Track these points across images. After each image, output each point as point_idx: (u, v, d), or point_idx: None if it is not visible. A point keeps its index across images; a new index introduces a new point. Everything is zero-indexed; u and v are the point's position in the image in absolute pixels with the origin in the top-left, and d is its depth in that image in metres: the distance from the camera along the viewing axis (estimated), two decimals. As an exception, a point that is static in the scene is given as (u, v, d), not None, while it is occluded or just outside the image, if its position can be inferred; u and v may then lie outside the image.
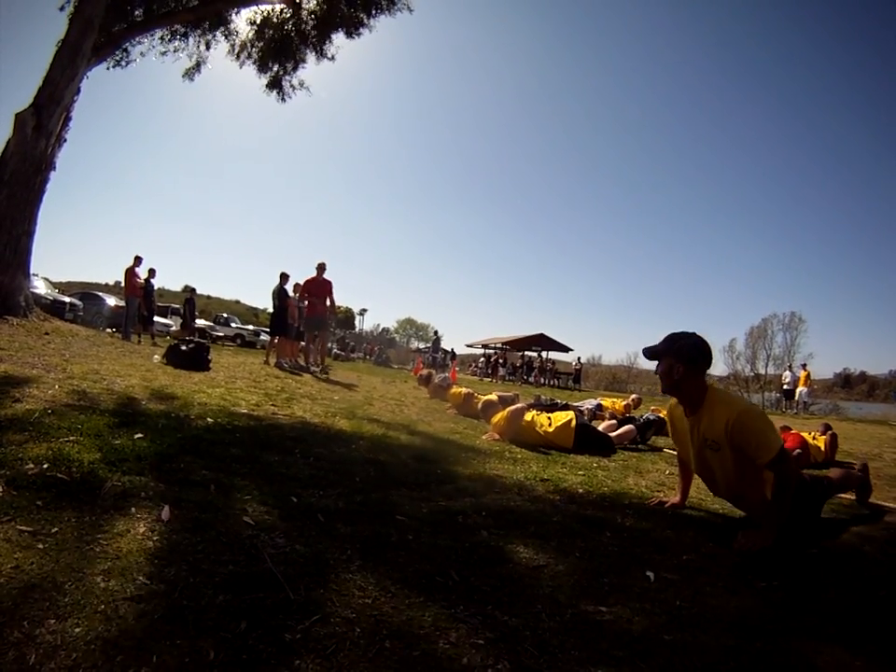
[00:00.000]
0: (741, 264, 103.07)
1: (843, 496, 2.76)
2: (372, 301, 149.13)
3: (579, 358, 26.06)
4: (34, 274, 9.37)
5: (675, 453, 2.67)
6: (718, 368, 36.23)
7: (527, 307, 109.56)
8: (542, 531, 1.84)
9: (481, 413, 4.74)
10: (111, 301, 15.00)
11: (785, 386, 16.43)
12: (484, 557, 1.55)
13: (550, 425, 3.91)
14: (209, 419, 2.95)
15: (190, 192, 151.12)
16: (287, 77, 10.83)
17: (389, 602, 1.22)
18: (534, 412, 4.26)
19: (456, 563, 1.48)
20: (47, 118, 6.86)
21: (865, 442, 6.29)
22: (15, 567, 1.15)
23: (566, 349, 29.25)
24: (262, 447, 2.52)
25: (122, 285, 10.37)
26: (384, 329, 70.40)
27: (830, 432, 4.48)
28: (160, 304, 15.91)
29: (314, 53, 10.47)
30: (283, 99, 11.00)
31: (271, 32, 10.23)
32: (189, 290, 14.79)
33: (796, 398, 15.69)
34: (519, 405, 4.30)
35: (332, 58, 10.54)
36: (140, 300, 10.13)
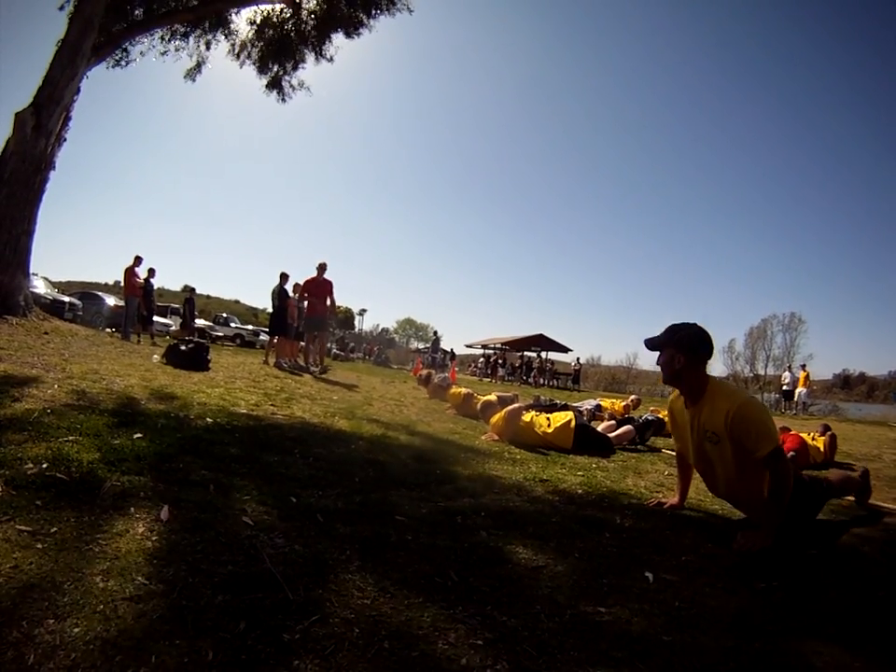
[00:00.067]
0: (741, 264, 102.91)
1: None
2: (372, 301, 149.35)
3: (578, 359, 26.05)
4: (33, 274, 9.36)
5: (674, 453, 2.67)
6: (717, 368, 36.35)
7: (527, 307, 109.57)
8: (541, 532, 1.83)
9: (480, 414, 4.74)
10: (111, 300, 14.98)
11: (784, 387, 16.43)
12: (483, 558, 1.55)
13: (549, 425, 3.91)
14: (208, 419, 2.95)
15: (190, 192, 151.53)
16: (287, 77, 10.86)
17: (388, 602, 1.22)
18: (533, 412, 4.26)
19: (455, 563, 1.48)
20: (46, 117, 6.86)
21: (864, 443, 6.30)
22: (14, 566, 1.15)
23: (565, 349, 29.30)
24: (262, 447, 2.52)
25: (122, 284, 10.36)
26: (383, 329, 70.57)
27: (829, 433, 4.48)
28: (159, 304, 15.89)
29: (313, 53, 10.49)
30: (283, 99, 11.03)
31: (271, 32, 10.24)
32: (189, 290, 14.81)
33: (795, 398, 15.70)
34: (516, 405, 4.29)
35: (331, 59, 10.58)
36: (140, 299, 10.12)
